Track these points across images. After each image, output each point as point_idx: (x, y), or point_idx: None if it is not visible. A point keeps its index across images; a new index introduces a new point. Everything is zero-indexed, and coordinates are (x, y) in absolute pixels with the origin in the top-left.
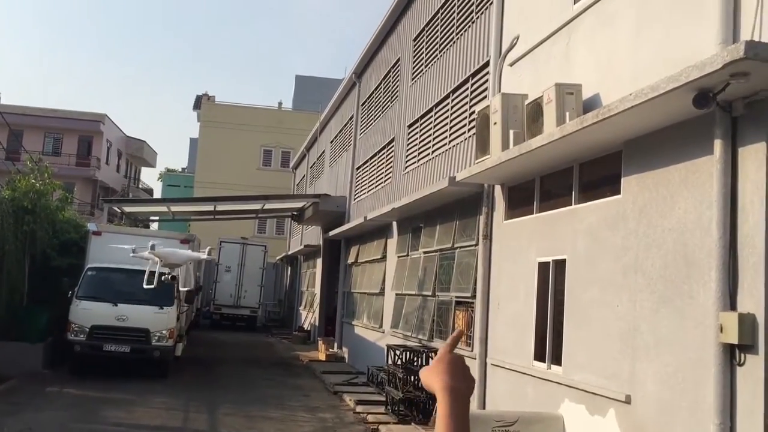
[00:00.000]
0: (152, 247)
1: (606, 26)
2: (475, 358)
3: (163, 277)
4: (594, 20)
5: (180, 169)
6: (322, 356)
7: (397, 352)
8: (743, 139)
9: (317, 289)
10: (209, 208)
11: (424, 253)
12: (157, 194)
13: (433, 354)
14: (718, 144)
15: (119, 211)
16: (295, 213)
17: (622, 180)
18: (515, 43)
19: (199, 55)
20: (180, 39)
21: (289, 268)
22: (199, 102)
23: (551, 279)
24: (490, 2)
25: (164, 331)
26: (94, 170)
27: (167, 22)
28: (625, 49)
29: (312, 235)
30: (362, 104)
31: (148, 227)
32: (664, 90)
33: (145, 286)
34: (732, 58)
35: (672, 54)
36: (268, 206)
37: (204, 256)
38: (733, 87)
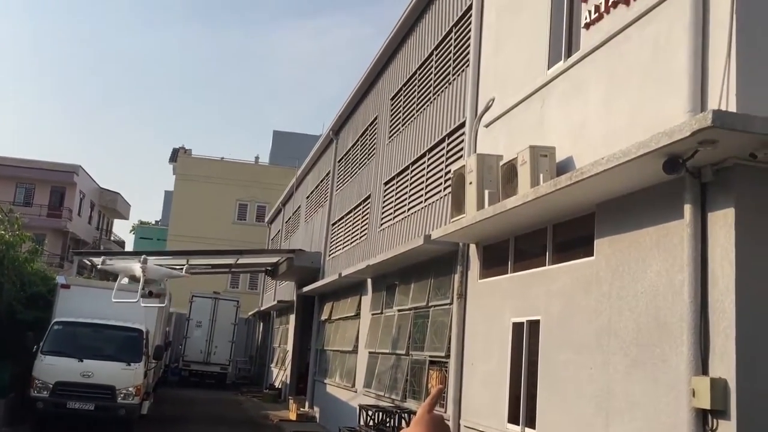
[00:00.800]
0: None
1: (579, 91)
2: (449, 420)
3: (146, 291)
4: (567, 85)
5: (153, 222)
6: (292, 416)
7: (370, 413)
8: (712, 205)
9: (289, 346)
10: (182, 261)
11: (399, 311)
12: (129, 247)
13: (405, 414)
14: (688, 209)
15: (89, 263)
16: (269, 268)
17: (595, 242)
18: (491, 105)
19: (178, 107)
20: (158, 91)
21: (262, 323)
22: (176, 155)
23: (525, 340)
24: (466, 65)
25: (131, 389)
26: (66, 222)
27: (146, 73)
28: (598, 114)
29: (286, 290)
30: (339, 161)
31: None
32: (635, 155)
33: (113, 300)
34: (700, 126)
35: (643, 120)
36: (242, 261)
37: (182, 274)
38: (702, 154)
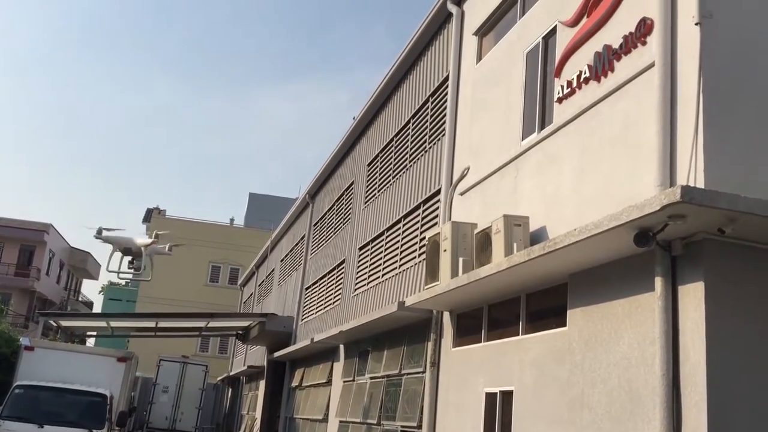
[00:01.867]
0: (99, 232)
1: (552, 163)
2: None
3: (129, 264)
4: (540, 157)
5: (124, 283)
6: None
7: None
8: (682, 278)
9: (258, 414)
10: (151, 324)
11: (371, 378)
12: (98, 308)
13: None
14: (659, 281)
15: (55, 325)
16: (241, 332)
17: (567, 312)
18: (466, 174)
19: (153, 168)
20: (133, 151)
21: (230, 389)
22: (150, 215)
23: (498, 410)
24: (442, 134)
25: None
26: (33, 281)
27: (122, 132)
28: (570, 185)
29: (256, 355)
30: (314, 224)
31: (85, 343)
32: (606, 227)
33: (107, 270)
34: (669, 201)
35: (614, 192)
36: (212, 324)
37: (161, 247)
38: (672, 228)
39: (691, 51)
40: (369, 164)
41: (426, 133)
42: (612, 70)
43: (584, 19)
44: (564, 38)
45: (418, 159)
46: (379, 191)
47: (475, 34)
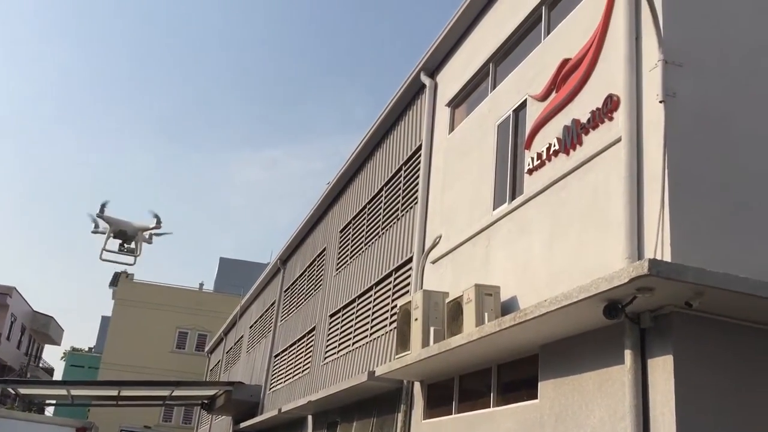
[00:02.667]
0: (101, 211)
1: (523, 233)
2: None
3: (124, 247)
4: (512, 227)
5: (87, 349)
6: None
7: None
8: (651, 351)
9: None
10: (113, 392)
11: None
12: (59, 374)
13: None
14: (628, 354)
15: (14, 392)
16: (206, 401)
17: (539, 384)
18: (438, 242)
19: None
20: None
21: None
22: (117, 279)
23: None
24: (415, 202)
25: None
26: None
27: (93, 193)
28: (541, 256)
29: (221, 426)
30: (285, 290)
31: (43, 411)
32: (576, 299)
33: (101, 258)
34: (637, 274)
35: (584, 263)
36: (177, 393)
37: (152, 226)
38: (641, 300)
39: (656, 127)
40: (342, 231)
41: (399, 201)
42: (580, 143)
43: (553, 94)
44: (534, 112)
45: (390, 227)
46: (351, 258)
47: (448, 105)
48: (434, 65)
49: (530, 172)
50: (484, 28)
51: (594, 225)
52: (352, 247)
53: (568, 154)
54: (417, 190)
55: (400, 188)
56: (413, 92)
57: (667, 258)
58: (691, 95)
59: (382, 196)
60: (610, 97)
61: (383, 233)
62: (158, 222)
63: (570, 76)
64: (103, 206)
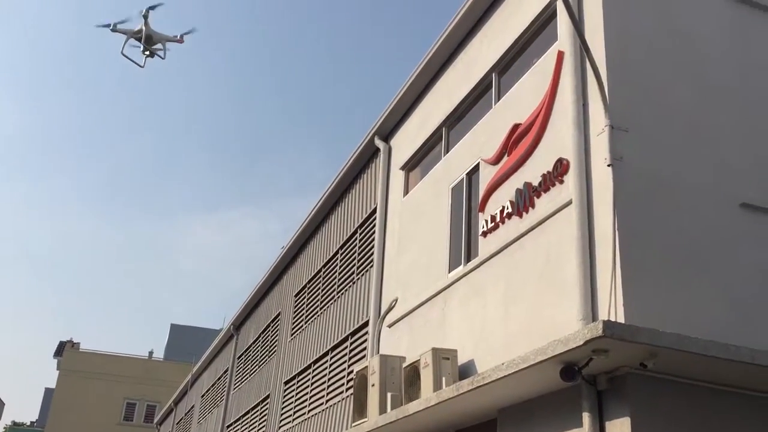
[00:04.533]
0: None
1: (478, 295)
2: None
3: (145, 51)
4: (467, 289)
5: (29, 423)
6: None
7: None
8: (609, 413)
9: None
10: None
11: None
12: None
13: None
14: (586, 417)
15: None
16: None
17: None
18: (394, 305)
19: (68, 298)
20: (47, 279)
21: None
22: (62, 349)
23: None
24: (370, 265)
25: None
26: None
27: (38, 261)
28: (497, 318)
29: None
30: (239, 357)
31: None
32: (533, 362)
33: (122, 52)
34: (592, 336)
35: (540, 325)
36: None
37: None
38: (596, 362)
39: (606, 190)
40: (296, 295)
41: (354, 264)
42: (533, 206)
43: (505, 158)
44: (487, 175)
45: (346, 290)
46: (306, 323)
47: (402, 168)
48: (388, 129)
49: (484, 234)
50: (437, 93)
51: (548, 286)
52: (307, 311)
53: (521, 216)
54: (372, 253)
55: (355, 251)
56: (368, 156)
57: (621, 319)
58: (637, 159)
59: (337, 259)
60: (560, 160)
61: (339, 297)
62: (180, 37)
63: (521, 141)
64: (114, 25)
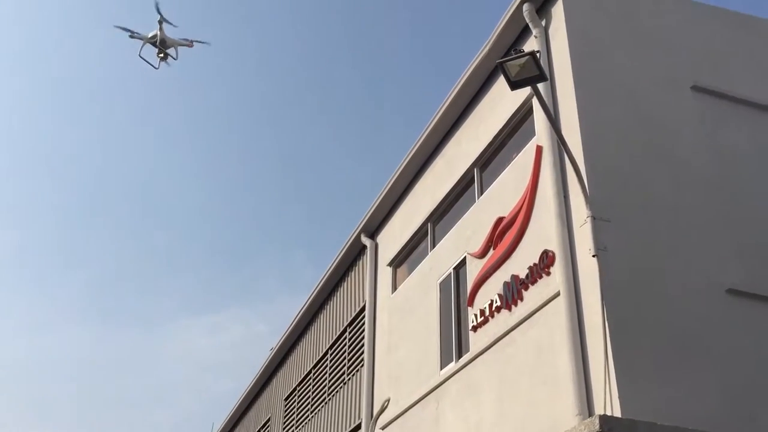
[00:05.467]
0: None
1: (472, 392)
2: None
3: (159, 53)
4: (460, 386)
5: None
6: None
7: None
8: None
9: None
10: None
11: None
12: None
13: None
14: None
15: None
16: None
17: None
18: (386, 406)
19: (47, 412)
20: (34, 395)
21: None
22: None
23: None
24: (361, 364)
25: None
26: None
27: (20, 379)
28: (492, 415)
29: None
30: None
31: None
32: None
33: (140, 55)
34: (589, 431)
35: (535, 421)
36: None
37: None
38: None
39: (592, 281)
40: (286, 398)
41: (344, 364)
42: (521, 299)
43: (491, 251)
44: (474, 269)
45: (337, 392)
46: (297, 427)
47: (389, 265)
48: (374, 226)
49: (475, 329)
50: (421, 189)
51: (542, 381)
52: (297, 415)
53: (510, 309)
54: (363, 352)
55: (345, 351)
56: (354, 253)
57: (617, 411)
58: (621, 248)
59: (327, 359)
60: (545, 252)
61: (330, 399)
62: (191, 42)
63: (506, 234)
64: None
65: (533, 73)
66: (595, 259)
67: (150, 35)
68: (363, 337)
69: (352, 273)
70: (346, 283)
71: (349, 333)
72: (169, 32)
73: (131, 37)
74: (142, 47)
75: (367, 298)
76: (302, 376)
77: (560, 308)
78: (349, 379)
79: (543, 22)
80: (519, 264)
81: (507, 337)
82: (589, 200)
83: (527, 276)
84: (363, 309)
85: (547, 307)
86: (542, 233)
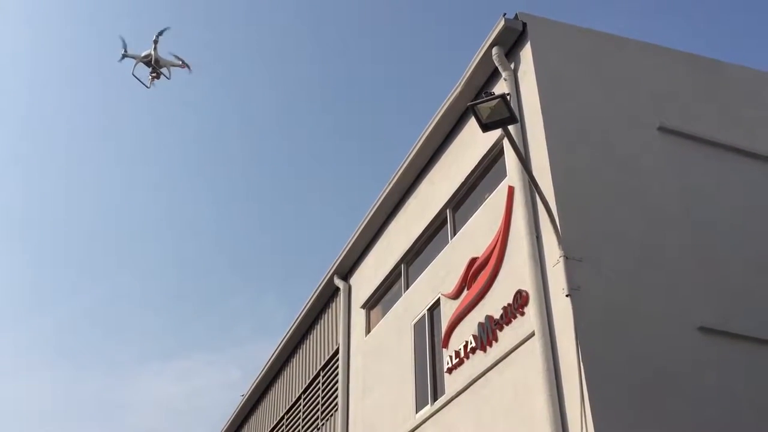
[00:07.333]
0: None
1: None
2: None
3: (152, 72)
4: (437, 430)
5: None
6: None
7: None
8: None
9: None
10: None
11: None
12: None
13: None
14: None
15: None
16: None
17: None
18: None
19: None
20: None
21: None
22: None
23: None
24: (335, 408)
25: None
26: None
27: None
28: None
29: None
30: None
31: None
32: None
33: (133, 73)
34: None
35: None
36: None
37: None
38: None
39: (566, 320)
40: None
41: (318, 409)
42: (496, 339)
43: (465, 292)
44: (448, 310)
45: None
46: None
47: (363, 307)
48: (347, 268)
49: (450, 370)
50: (393, 230)
51: (518, 422)
52: None
53: (485, 350)
54: (337, 396)
55: (319, 395)
56: (327, 296)
57: None
58: (594, 288)
59: (300, 404)
60: (519, 292)
61: None
62: (184, 63)
63: (479, 274)
64: (122, 56)
65: (504, 116)
66: (568, 298)
67: (143, 54)
68: (337, 381)
69: (325, 315)
70: (319, 326)
71: (323, 377)
72: (163, 44)
73: (124, 56)
74: (135, 66)
75: (340, 341)
76: (275, 422)
77: (535, 348)
78: (323, 423)
79: (512, 65)
80: (493, 304)
81: (482, 378)
82: (562, 240)
83: (501, 316)
84: (336, 352)
85: (522, 347)
86: (516, 273)
